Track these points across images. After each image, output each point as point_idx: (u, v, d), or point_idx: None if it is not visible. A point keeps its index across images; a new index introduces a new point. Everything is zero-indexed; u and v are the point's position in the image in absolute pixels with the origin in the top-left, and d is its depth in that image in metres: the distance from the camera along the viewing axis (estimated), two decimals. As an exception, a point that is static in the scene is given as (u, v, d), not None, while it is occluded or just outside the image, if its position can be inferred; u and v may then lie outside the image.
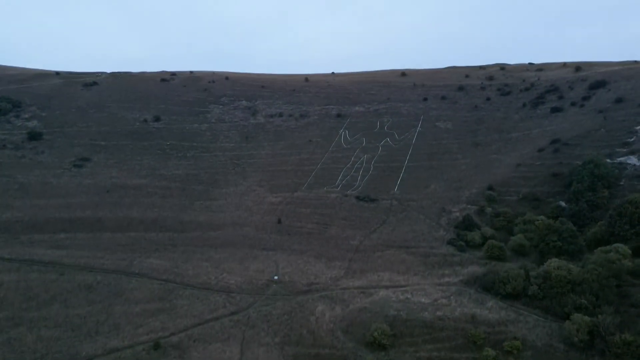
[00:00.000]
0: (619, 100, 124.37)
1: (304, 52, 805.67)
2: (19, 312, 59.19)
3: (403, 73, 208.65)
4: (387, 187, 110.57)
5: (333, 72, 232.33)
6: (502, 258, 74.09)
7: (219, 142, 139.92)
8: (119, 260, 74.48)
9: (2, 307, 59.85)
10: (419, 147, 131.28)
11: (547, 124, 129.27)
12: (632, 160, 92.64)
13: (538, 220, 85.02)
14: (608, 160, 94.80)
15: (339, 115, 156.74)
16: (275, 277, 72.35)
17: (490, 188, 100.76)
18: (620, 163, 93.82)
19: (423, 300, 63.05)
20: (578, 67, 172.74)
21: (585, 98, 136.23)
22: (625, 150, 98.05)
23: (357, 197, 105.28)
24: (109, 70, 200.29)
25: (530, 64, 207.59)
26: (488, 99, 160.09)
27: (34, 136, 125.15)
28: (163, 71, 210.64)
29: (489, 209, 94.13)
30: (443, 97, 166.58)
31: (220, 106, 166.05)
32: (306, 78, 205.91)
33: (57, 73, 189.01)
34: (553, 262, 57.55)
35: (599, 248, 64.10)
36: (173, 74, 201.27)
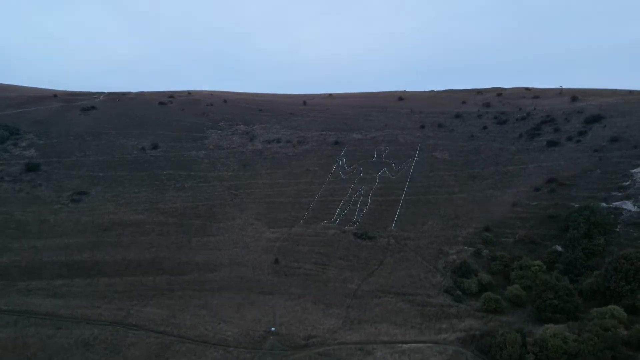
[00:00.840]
0: (614, 140, 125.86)
1: (303, 51, 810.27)
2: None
3: (400, 97, 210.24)
4: (385, 222, 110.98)
5: (331, 95, 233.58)
6: (499, 311, 74.74)
7: (217, 170, 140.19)
8: (116, 310, 74.43)
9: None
10: (416, 179, 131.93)
11: (543, 159, 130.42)
12: (628, 205, 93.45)
13: (534, 265, 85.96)
14: (604, 204, 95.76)
15: (336, 143, 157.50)
16: (273, 329, 72.50)
17: (487, 229, 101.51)
18: (616, 208, 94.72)
19: (420, 363, 62.88)
20: (574, 96, 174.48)
21: (581, 133, 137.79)
22: (620, 194, 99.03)
23: (355, 234, 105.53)
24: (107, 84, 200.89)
25: (527, 89, 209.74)
26: (485, 127, 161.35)
27: (31, 167, 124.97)
28: (161, 92, 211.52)
29: (485, 252, 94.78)
30: (440, 125, 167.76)
31: (219, 131, 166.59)
32: (304, 101, 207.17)
33: (55, 95, 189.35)
34: (550, 329, 58.01)
35: (595, 310, 64.79)
36: (171, 96, 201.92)
